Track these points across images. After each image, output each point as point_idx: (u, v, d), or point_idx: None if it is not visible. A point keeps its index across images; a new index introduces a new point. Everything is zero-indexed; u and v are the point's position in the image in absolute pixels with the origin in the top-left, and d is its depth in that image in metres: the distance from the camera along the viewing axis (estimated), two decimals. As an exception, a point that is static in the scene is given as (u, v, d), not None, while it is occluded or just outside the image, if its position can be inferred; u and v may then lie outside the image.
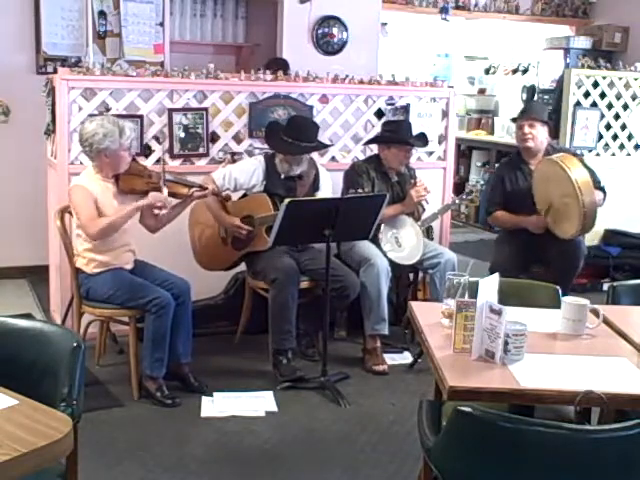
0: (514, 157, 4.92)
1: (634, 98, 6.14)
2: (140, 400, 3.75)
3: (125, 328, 3.92)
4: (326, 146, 4.58)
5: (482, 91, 9.61)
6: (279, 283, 4.02)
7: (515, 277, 4.30)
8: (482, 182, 6.60)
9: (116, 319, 3.95)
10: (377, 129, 5.02)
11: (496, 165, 7.78)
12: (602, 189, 4.64)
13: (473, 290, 2.43)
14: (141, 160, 4.31)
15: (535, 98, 8.08)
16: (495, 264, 4.57)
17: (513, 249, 4.66)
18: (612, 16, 7.59)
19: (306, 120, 4.48)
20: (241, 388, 3.90)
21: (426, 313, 2.72)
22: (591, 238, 4.98)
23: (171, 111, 4.56)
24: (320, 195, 4.34)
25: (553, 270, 4.62)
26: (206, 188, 3.94)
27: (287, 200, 3.70)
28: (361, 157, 4.91)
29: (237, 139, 4.82)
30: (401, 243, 4.47)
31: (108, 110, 4.48)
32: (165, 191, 3.76)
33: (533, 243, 4.68)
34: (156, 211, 3.79)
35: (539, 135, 4.70)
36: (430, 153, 5.22)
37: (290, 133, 4.16)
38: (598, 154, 6.03)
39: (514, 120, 4.93)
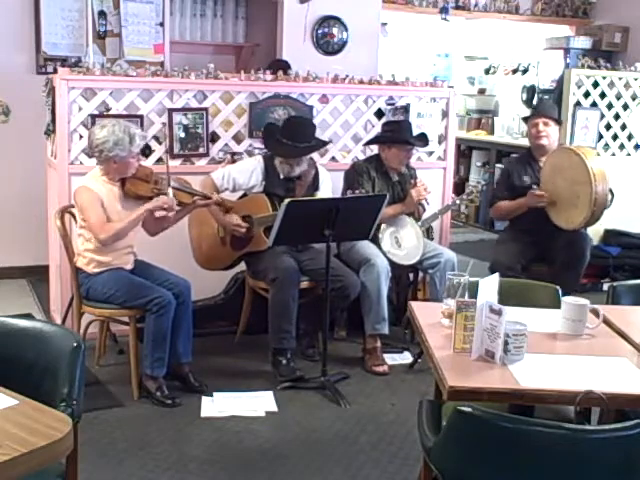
0: (525, 154, 4.95)
1: (634, 98, 6.14)
2: (140, 400, 3.75)
3: (125, 328, 3.92)
4: (324, 144, 4.56)
5: (482, 91, 9.60)
6: (279, 282, 4.01)
7: (516, 276, 4.31)
8: (482, 182, 6.60)
9: (116, 319, 3.95)
10: (377, 129, 5.02)
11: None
12: (610, 191, 4.64)
13: (473, 290, 2.43)
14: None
15: (535, 98, 8.09)
16: (496, 263, 4.56)
17: (514, 248, 4.66)
18: (612, 16, 7.59)
19: (302, 120, 4.47)
20: (241, 388, 3.90)
21: (426, 313, 2.72)
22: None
23: (171, 111, 4.56)
24: (320, 195, 4.34)
25: (559, 266, 4.62)
26: (210, 197, 3.95)
27: (287, 200, 3.69)
28: (361, 157, 4.91)
29: (237, 139, 4.82)
30: (401, 243, 4.47)
31: (108, 110, 4.49)
32: (171, 193, 3.76)
33: (536, 241, 4.68)
34: (162, 213, 3.79)
35: (553, 134, 4.75)
36: (430, 153, 5.22)
37: (287, 134, 4.16)
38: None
39: (526, 119, 4.94)
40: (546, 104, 5.11)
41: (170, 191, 3.76)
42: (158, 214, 3.83)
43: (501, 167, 8.06)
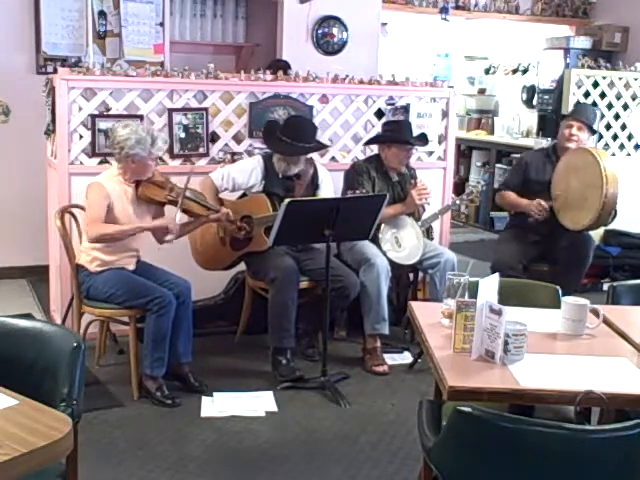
0: (548, 150, 4.93)
1: (634, 98, 6.14)
2: (140, 400, 3.75)
3: (125, 328, 3.92)
4: (324, 146, 4.57)
5: (482, 91, 9.61)
6: (279, 282, 4.02)
7: (517, 276, 4.31)
8: (482, 182, 6.60)
9: (116, 319, 3.95)
10: (377, 129, 5.02)
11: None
12: (615, 210, 4.60)
13: (473, 290, 2.43)
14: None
15: (535, 98, 8.09)
16: (497, 262, 4.55)
17: (516, 247, 4.65)
18: (612, 16, 7.59)
19: (304, 120, 4.48)
20: (241, 388, 3.90)
21: (426, 313, 2.72)
22: (591, 238, 5.02)
23: (171, 111, 4.56)
24: (322, 194, 4.34)
25: (561, 266, 4.61)
26: (220, 211, 3.96)
27: (287, 200, 3.70)
28: (361, 157, 4.91)
29: (237, 139, 4.82)
30: (401, 243, 4.46)
31: (108, 110, 4.49)
32: (178, 216, 3.76)
33: (538, 241, 4.68)
34: (163, 235, 3.81)
35: (583, 140, 4.73)
36: (430, 153, 5.22)
37: (287, 133, 4.17)
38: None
39: (564, 117, 4.92)
40: (588, 110, 5.01)
41: (179, 214, 3.75)
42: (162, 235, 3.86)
43: (502, 167, 8.07)
